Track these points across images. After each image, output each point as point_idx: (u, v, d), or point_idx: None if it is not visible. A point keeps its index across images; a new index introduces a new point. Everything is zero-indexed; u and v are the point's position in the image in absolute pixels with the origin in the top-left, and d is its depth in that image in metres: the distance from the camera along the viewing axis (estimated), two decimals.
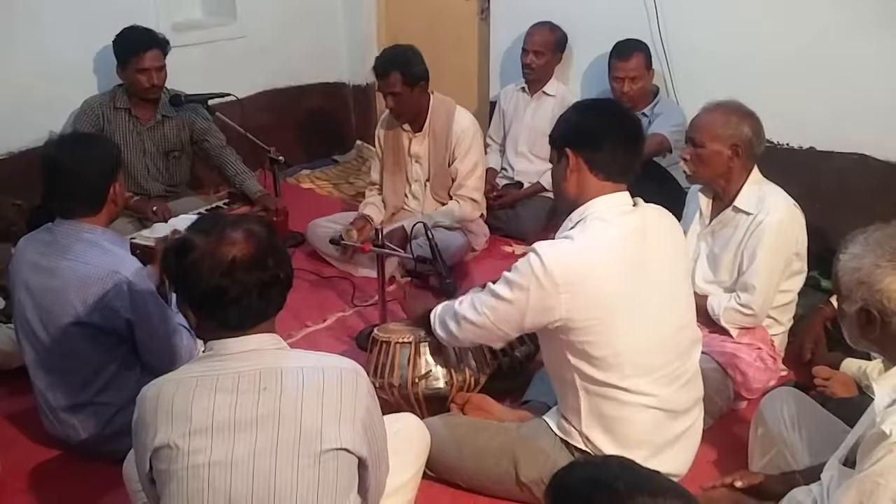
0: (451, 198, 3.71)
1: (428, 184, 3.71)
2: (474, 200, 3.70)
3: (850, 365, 2.52)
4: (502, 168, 4.26)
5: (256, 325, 1.62)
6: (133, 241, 2.97)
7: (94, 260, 2.29)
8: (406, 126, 3.65)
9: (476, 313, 2.16)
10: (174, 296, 2.53)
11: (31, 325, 2.38)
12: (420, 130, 3.64)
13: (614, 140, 2.08)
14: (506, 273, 2.12)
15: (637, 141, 2.14)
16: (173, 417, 1.55)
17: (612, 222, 2.05)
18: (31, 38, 3.64)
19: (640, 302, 2.06)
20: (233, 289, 1.57)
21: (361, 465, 1.65)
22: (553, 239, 2.11)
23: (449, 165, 3.65)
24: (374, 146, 3.77)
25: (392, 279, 3.13)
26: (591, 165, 2.08)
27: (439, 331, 2.31)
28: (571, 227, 2.09)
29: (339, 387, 1.59)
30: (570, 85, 4.18)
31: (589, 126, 2.11)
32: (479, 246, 3.82)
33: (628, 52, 3.70)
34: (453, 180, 3.68)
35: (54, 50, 3.68)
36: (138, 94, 3.57)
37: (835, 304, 1.82)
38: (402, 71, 3.44)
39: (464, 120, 3.64)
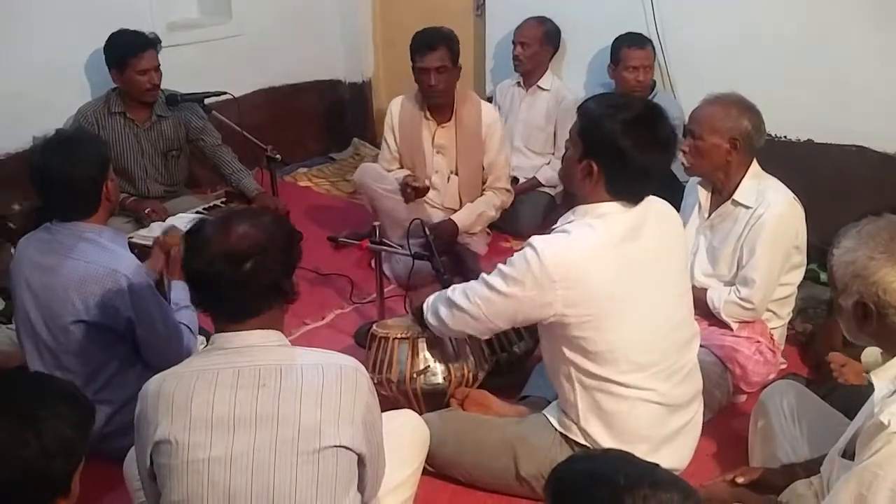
0: (481, 191, 3.68)
1: (453, 176, 3.65)
2: (509, 191, 3.73)
3: (872, 353, 2.50)
4: None
5: (243, 320, 1.62)
6: (131, 240, 2.97)
7: (94, 258, 2.28)
8: (428, 115, 3.59)
9: (469, 302, 2.15)
10: (173, 293, 2.54)
11: (32, 324, 2.38)
12: (448, 121, 3.58)
13: (648, 179, 2.03)
14: (500, 265, 2.10)
15: (666, 170, 2.10)
16: (174, 411, 1.55)
17: (611, 219, 2.04)
18: (27, 39, 3.62)
19: (637, 297, 2.05)
20: (211, 276, 1.58)
21: (360, 462, 1.65)
22: (550, 232, 2.10)
23: (482, 156, 3.61)
24: (386, 135, 3.67)
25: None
26: (610, 187, 2.03)
27: (431, 319, 2.30)
28: (569, 222, 2.08)
29: (339, 384, 1.59)
30: (567, 79, 4.17)
31: (631, 154, 1.96)
32: (480, 249, 3.78)
33: (642, 41, 3.72)
34: (483, 175, 3.64)
35: (50, 51, 3.67)
36: (139, 97, 3.57)
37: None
38: (449, 46, 3.42)
39: (491, 112, 3.64)
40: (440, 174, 3.66)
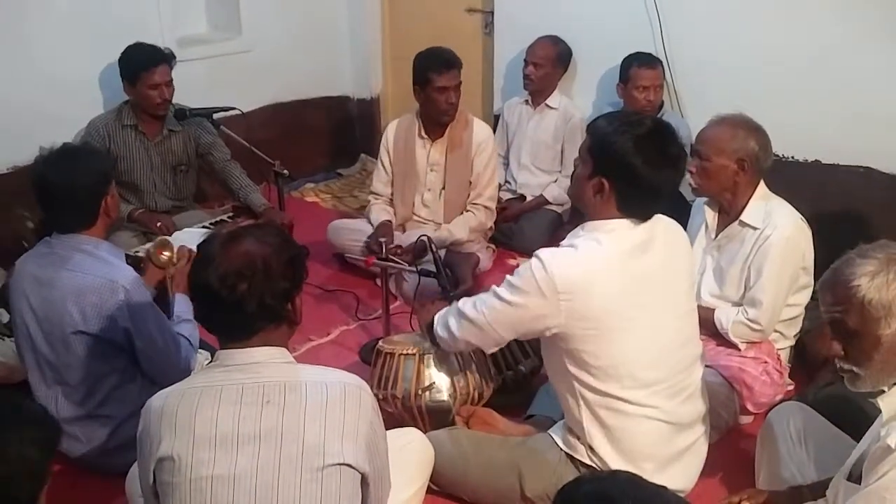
0: (464, 208, 3.67)
1: (443, 192, 3.67)
2: (489, 209, 3.70)
3: None
4: (506, 181, 4.26)
5: (241, 339, 1.61)
6: (136, 253, 2.98)
7: (92, 270, 2.29)
8: (423, 134, 3.62)
9: (475, 311, 2.17)
10: (175, 306, 2.55)
11: (31, 338, 2.38)
12: (440, 137, 3.61)
13: (658, 196, 2.05)
14: (508, 276, 2.12)
15: (676, 188, 2.10)
16: (177, 428, 1.55)
17: (619, 235, 2.05)
18: (38, 54, 3.66)
19: (642, 314, 2.06)
20: (206, 294, 1.59)
21: (363, 480, 1.64)
22: (558, 247, 2.11)
23: (469, 174, 3.62)
24: (381, 156, 3.72)
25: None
26: (621, 204, 2.04)
27: (440, 331, 2.31)
28: (577, 237, 2.09)
29: (343, 402, 1.59)
30: (576, 98, 4.18)
31: (642, 171, 1.98)
32: (484, 266, 3.76)
33: (652, 61, 3.74)
34: (468, 191, 3.65)
35: (61, 66, 3.71)
36: (149, 111, 3.59)
37: None
38: (459, 65, 3.49)
39: (483, 129, 3.65)
40: (432, 191, 3.69)
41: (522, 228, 4.00)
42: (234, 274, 1.57)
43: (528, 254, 3.75)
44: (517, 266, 3.68)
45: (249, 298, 1.57)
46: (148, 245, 3.23)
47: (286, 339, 1.68)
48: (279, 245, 1.64)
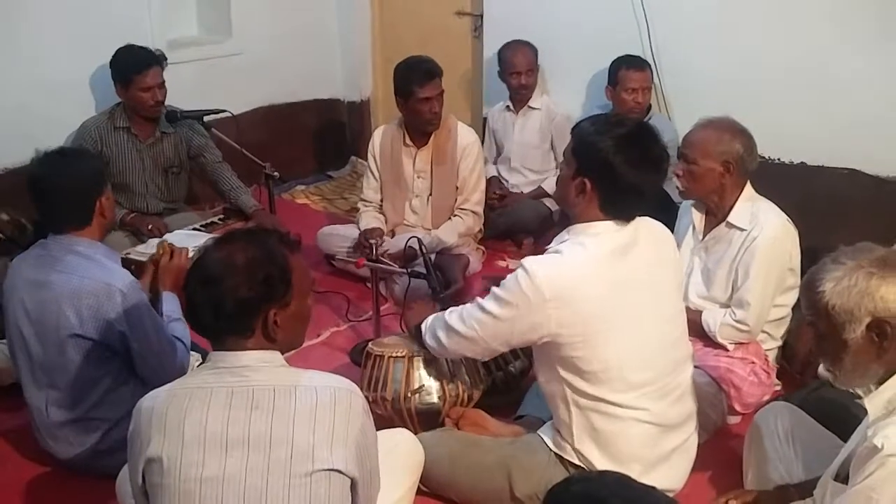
0: (452, 213, 3.69)
1: (430, 198, 3.69)
2: (476, 213, 3.72)
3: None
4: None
5: (223, 340, 1.62)
6: (128, 255, 2.98)
7: (88, 272, 2.29)
8: (408, 141, 3.64)
9: (465, 326, 2.17)
10: (164, 305, 2.55)
11: (25, 340, 2.38)
12: (425, 144, 3.63)
13: (640, 197, 2.06)
14: (494, 289, 2.12)
15: (655, 195, 2.13)
16: (166, 429, 1.55)
17: (603, 238, 2.06)
18: (30, 55, 3.66)
19: (630, 316, 2.06)
20: (191, 295, 1.62)
21: (353, 484, 1.63)
22: (545, 252, 2.12)
23: (455, 179, 3.64)
24: (369, 164, 3.75)
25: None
26: (603, 204, 2.05)
27: (429, 341, 2.31)
28: (562, 241, 2.10)
29: (333, 407, 1.58)
30: (565, 101, 4.19)
31: (622, 170, 2.00)
32: (474, 268, 3.78)
33: (641, 63, 3.76)
34: (456, 196, 3.67)
35: (52, 67, 3.70)
36: (141, 113, 3.59)
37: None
38: (440, 73, 3.50)
39: (468, 134, 3.66)
40: (420, 198, 3.70)
41: (515, 209, 4.00)
42: (203, 277, 1.60)
43: (514, 234, 3.83)
44: (506, 267, 3.79)
45: (205, 304, 1.59)
46: (140, 247, 3.24)
47: (280, 343, 1.66)
48: (259, 257, 1.61)
